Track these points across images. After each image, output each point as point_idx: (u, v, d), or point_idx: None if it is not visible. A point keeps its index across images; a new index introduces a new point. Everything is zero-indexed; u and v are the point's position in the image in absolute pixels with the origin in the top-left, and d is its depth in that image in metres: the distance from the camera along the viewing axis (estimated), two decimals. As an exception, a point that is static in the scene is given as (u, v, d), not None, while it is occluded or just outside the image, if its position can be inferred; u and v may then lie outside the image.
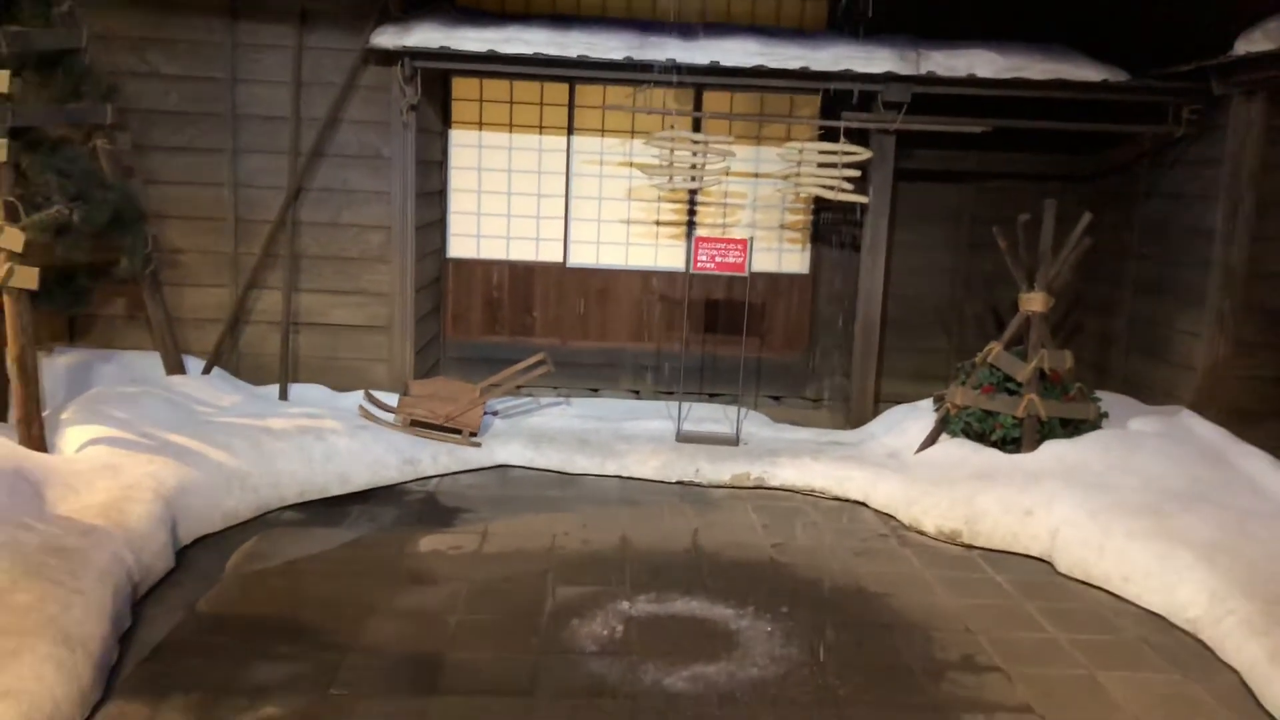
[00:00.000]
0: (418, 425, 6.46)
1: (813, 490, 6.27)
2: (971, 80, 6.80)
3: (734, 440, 6.79)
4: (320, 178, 7.08)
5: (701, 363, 8.52)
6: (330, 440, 5.94)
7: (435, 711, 3.61)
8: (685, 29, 7.08)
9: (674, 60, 6.68)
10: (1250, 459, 5.76)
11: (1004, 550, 5.43)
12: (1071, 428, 6.16)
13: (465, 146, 8.27)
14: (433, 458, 6.31)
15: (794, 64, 6.67)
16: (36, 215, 4.82)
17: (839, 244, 8.35)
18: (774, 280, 8.49)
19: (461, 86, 8.10)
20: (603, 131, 8.29)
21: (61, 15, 5.54)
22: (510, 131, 8.30)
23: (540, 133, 8.31)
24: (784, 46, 6.75)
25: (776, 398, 8.56)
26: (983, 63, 6.77)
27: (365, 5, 6.77)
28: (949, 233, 8.38)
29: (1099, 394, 6.70)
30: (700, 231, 8.35)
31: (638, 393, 8.53)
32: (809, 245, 8.49)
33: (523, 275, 8.47)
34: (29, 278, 4.86)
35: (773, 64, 6.67)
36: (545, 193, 8.36)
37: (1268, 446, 6.10)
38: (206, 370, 6.90)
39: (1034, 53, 6.92)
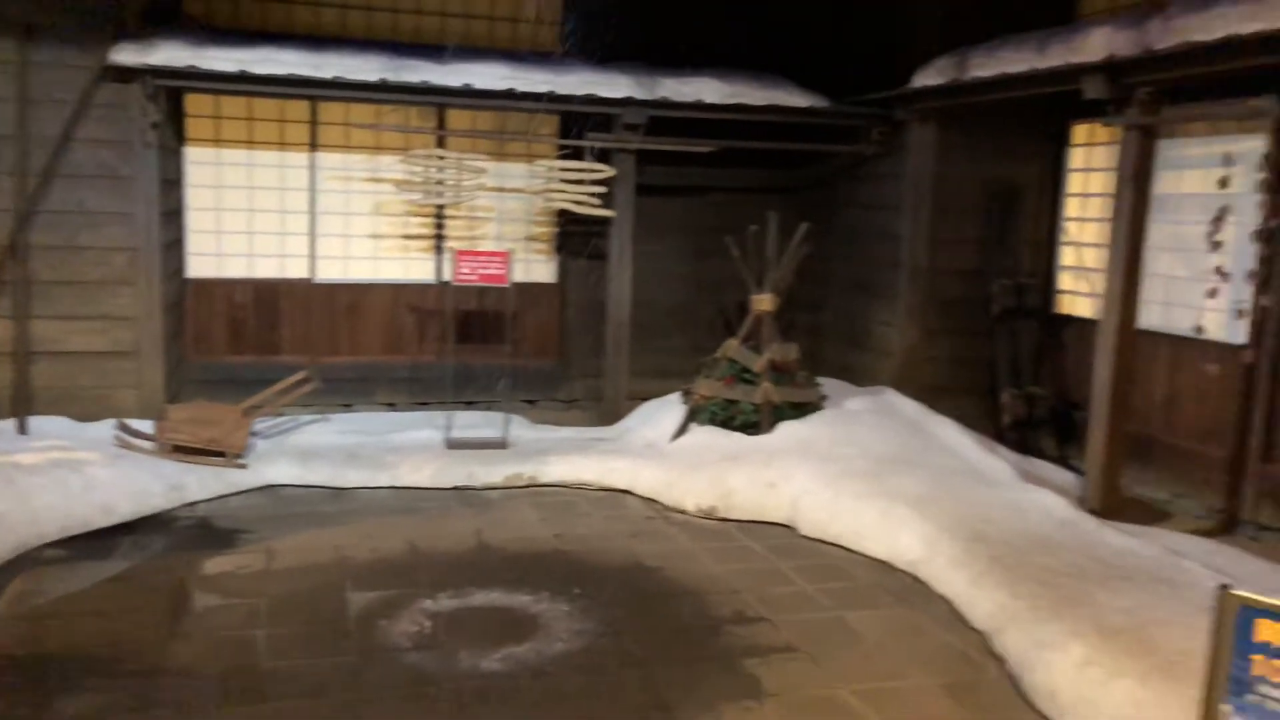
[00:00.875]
0: (180, 450, 6.34)
1: (582, 483, 6.75)
2: (700, 105, 7.55)
3: (503, 444, 7.15)
4: (54, 199, 6.74)
5: (457, 372, 8.79)
6: (88, 471, 5.74)
7: (268, 717, 3.75)
8: (437, 52, 7.36)
9: (428, 82, 6.94)
10: (943, 427, 6.84)
11: (754, 520, 6.15)
12: (800, 410, 7.02)
13: (202, 164, 8.08)
14: (199, 482, 6.22)
15: (542, 88, 7.14)
16: None
17: (583, 254, 8.90)
18: (524, 290, 8.88)
19: (196, 103, 7.92)
20: (348, 148, 8.38)
21: None
22: (250, 148, 8.20)
23: (282, 149, 8.27)
24: (531, 71, 7.20)
25: (531, 401, 8.96)
26: (709, 89, 7.54)
27: (100, 21, 6.53)
28: (680, 242, 9.12)
29: (819, 380, 7.63)
30: (450, 244, 8.62)
31: (393, 405, 8.66)
32: (555, 256, 8.98)
33: (268, 293, 8.39)
34: None
35: (522, 87, 7.10)
36: (289, 209, 8.33)
37: (953, 415, 7.25)
38: (-75, 409, 6.41)
39: (752, 81, 7.78)
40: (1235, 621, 1.79)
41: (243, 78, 6.63)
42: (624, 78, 7.42)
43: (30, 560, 5.16)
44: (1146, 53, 5.24)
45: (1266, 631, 1.71)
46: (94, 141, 6.77)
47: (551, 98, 7.21)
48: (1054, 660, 3.97)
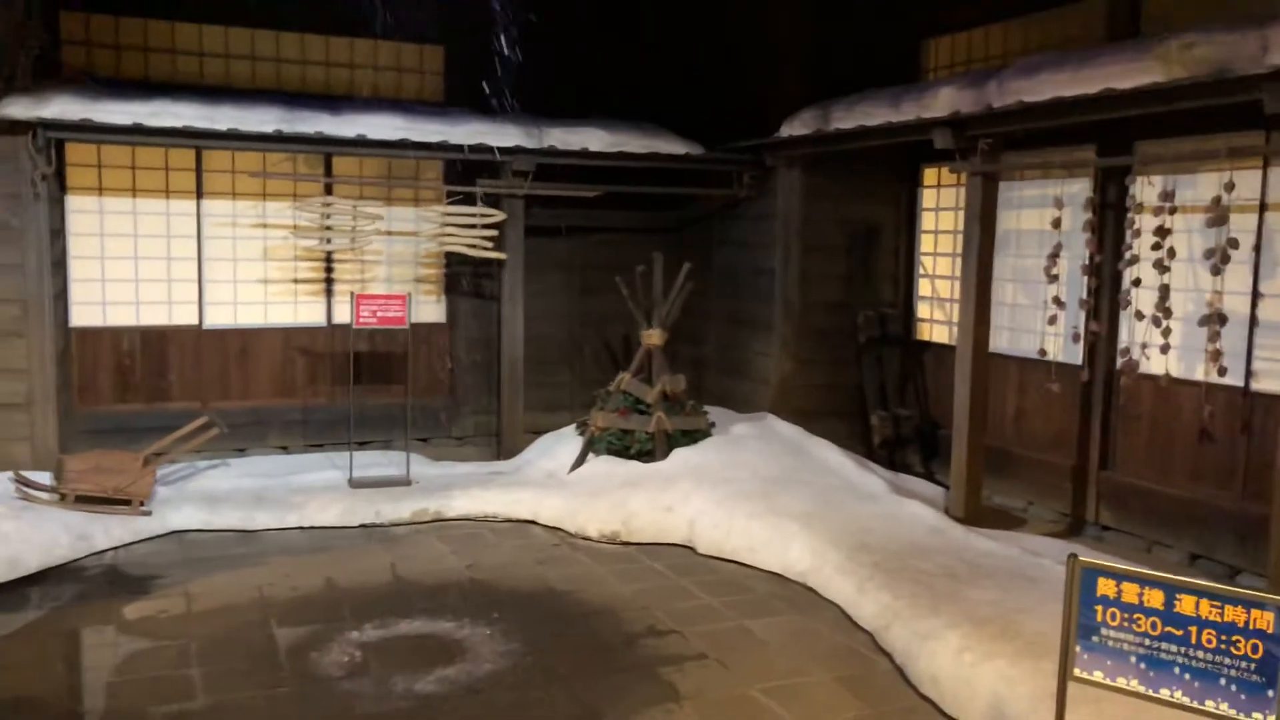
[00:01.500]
0: (84, 500, 6.34)
1: (487, 516, 7.02)
2: (585, 153, 8.00)
3: (406, 481, 7.37)
4: (-60, 252, 6.67)
5: (350, 412, 8.93)
6: (-5, 525, 5.72)
7: (217, 748, 3.93)
8: (328, 102, 7.58)
9: (323, 132, 7.17)
10: (821, 448, 7.42)
11: (655, 543, 6.56)
12: (691, 437, 7.48)
13: (85, 213, 8.04)
14: (105, 531, 6.23)
15: (435, 137, 7.46)
16: None
17: (471, 293, 9.19)
18: (414, 330, 9.08)
19: (77, 152, 7.88)
20: (234, 195, 8.47)
21: None
22: (134, 196, 8.20)
23: (168, 197, 8.30)
24: (424, 122, 7.52)
25: (424, 439, 9.15)
26: (593, 138, 8.00)
27: (-13, 75, 6.55)
28: (565, 280, 9.50)
29: (705, 408, 8.11)
30: (339, 288, 8.80)
31: (286, 448, 8.73)
32: (444, 296, 9.24)
33: (156, 340, 8.38)
34: None
35: (416, 137, 7.40)
36: (176, 256, 8.36)
37: (828, 437, 7.85)
38: None
39: (633, 130, 8.28)
40: (1080, 581, 2.28)
41: (137, 129, 6.73)
42: (513, 127, 7.80)
43: (-61, 617, 5.14)
44: (987, 110, 5.94)
45: (1104, 587, 2.21)
46: (-19, 193, 6.74)
47: (444, 147, 7.52)
48: (934, 650, 4.50)
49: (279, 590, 5.64)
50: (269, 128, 7.06)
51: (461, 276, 9.13)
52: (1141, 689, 2.15)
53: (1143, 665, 2.15)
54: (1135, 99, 5.05)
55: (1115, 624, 2.18)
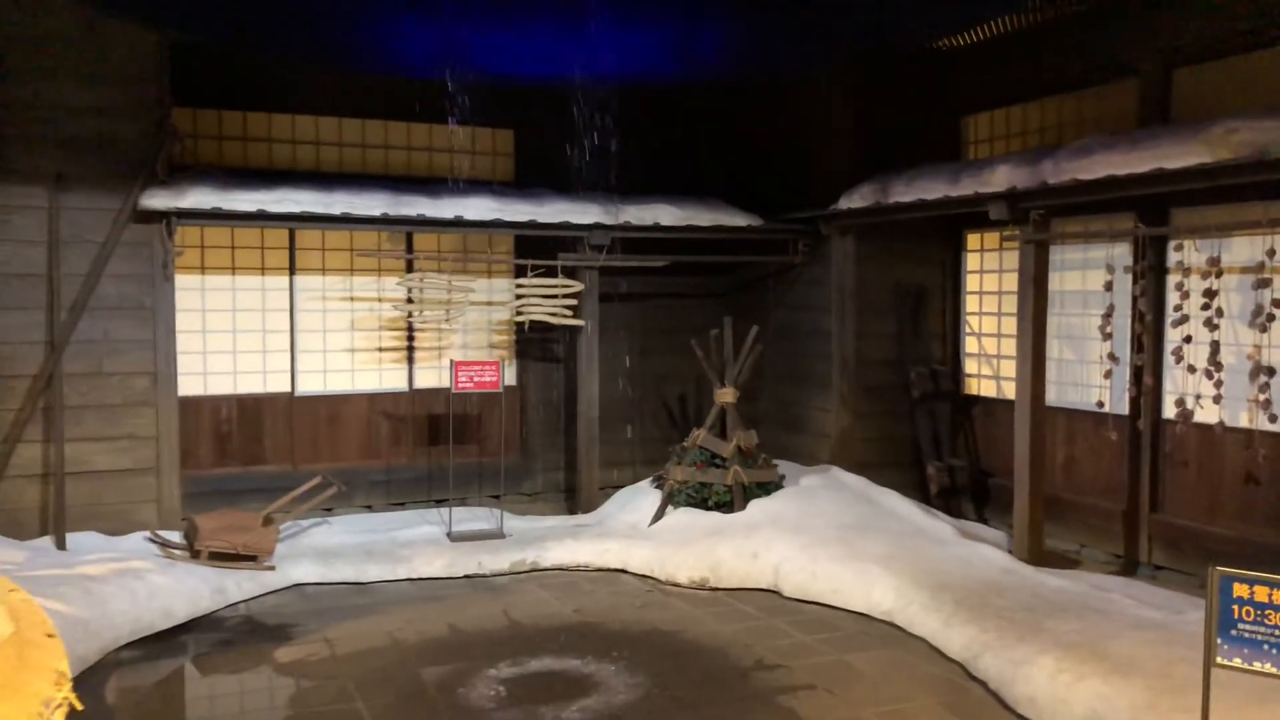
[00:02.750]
0: (215, 556, 6.86)
1: (579, 565, 7.53)
2: (657, 227, 8.64)
3: (501, 534, 7.88)
4: (82, 330, 7.27)
5: (429, 472, 9.48)
6: (149, 579, 6.23)
7: (405, 768, 4.42)
8: (428, 185, 8.25)
9: (423, 215, 7.83)
10: (888, 496, 7.94)
11: (742, 588, 7.05)
12: (765, 489, 8.01)
13: (188, 290, 8.63)
14: (237, 584, 6.75)
15: (524, 216, 8.11)
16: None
17: (539, 358, 9.79)
18: (488, 395, 9.66)
19: (182, 234, 8.53)
20: (324, 270, 9.11)
21: None
22: (233, 274, 8.84)
23: (263, 274, 8.93)
24: (513, 202, 8.19)
25: (497, 496, 9.67)
26: (664, 214, 8.66)
27: (128, 169, 7.20)
28: (627, 343, 10.07)
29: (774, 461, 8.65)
30: (419, 354, 9.41)
31: (370, 507, 9.25)
32: (514, 360, 9.83)
33: (251, 407, 8.95)
34: None
35: (507, 217, 8.05)
36: (270, 328, 8.97)
37: (886, 486, 8.36)
38: (-42, 532, 6.76)
39: (698, 205, 8.94)
40: (1219, 585, 2.80)
41: (260, 215, 7.38)
42: (592, 205, 8.45)
43: (114, 662, 5.64)
44: (1042, 185, 6.57)
45: (1239, 590, 2.74)
46: (118, 276, 7.37)
47: (533, 225, 8.17)
48: (1030, 673, 4.99)
49: (408, 635, 6.14)
50: (377, 211, 7.71)
51: (530, 343, 9.73)
52: (1276, 671, 2.68)
53: (1275, 652, 2.68)
54: (1184, 177, 5.68)
55: (1250, 620, 2.70)
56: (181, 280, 8.55)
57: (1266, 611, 2.66)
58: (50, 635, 1.89)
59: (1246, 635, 2.74)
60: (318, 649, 5.90)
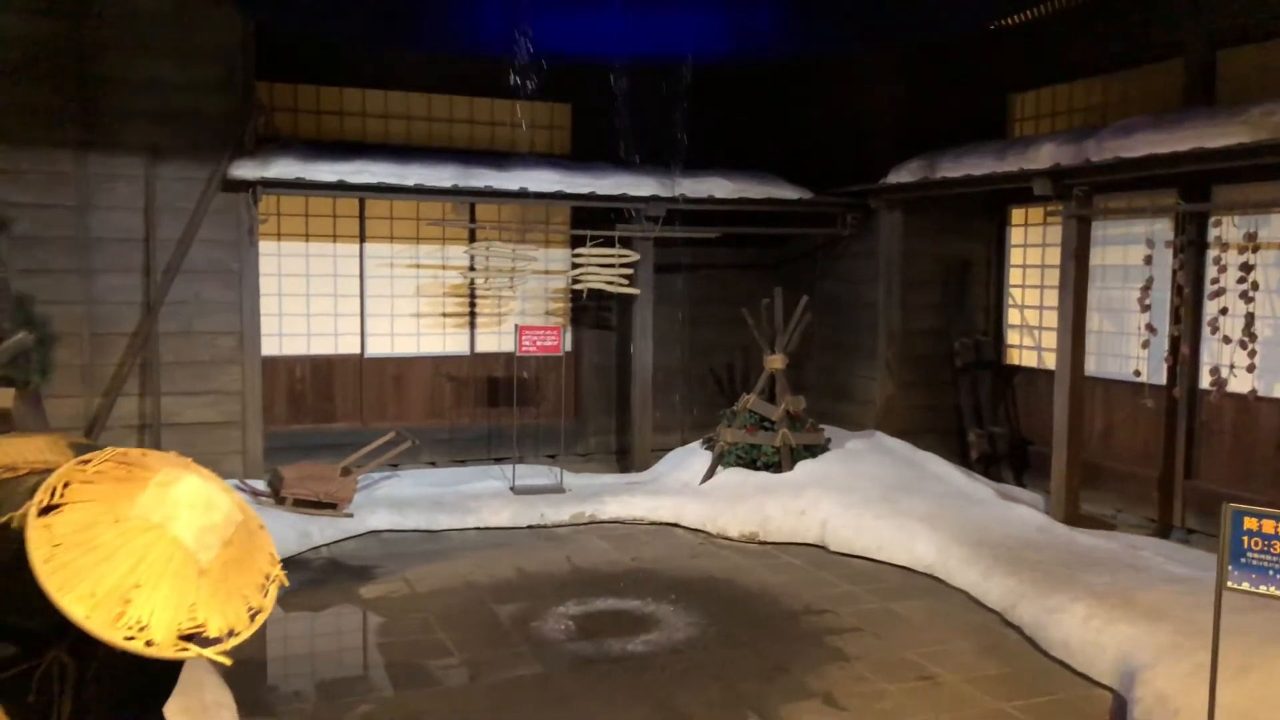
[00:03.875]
0: (299, 504, 7.37)
1: (635, 519, 7.97)
2: (712, 200, 9.01)
3: (561, 489, 8.34)
4: (174, 292, 7.79)
5: (488, 431, 9.95)
6: (241, 522, 6.75)
7: (502, 685, 4.89)
8: (495, 158, 8.67)
9: (491, 186, 8.25)
10: (930, 461, 8.30)
11: (789, 542, 7.45)
12: (812, 451, 8.39)
13: (266, 256, 9.12)
14: (320, 530, 7.26)
15: (585, 189, 8.51)
16: (9, 341, 5.41)
17: (593, 325, 10.20)
18: (544, 359, 10.11)
19: (263, 203, 9.02)
20: (392, 239, 9.56)
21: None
22: (307, 241, 9.31)
23: (335, 241, 9.41)
24: (574, 175, 8.57)
25: (552, 456, 10.13)
26: (718, 187, 9.01)
27: (217, 140, 7.68)
28: (674, 312, 10.41)
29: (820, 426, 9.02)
30: (480, 320, 9.87)
31: (434, 464, 9.74)
32: (569, 327, 10.25)
33: (324, 367, 9.45)
34: (5, 398, 5.42)
35: (569, 189, 8.45)
36: (342, 293, 9.45)
37: (931, 452, 8.71)
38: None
39: (750, 178, 9.28)
40: (1231, 519, 3.16)
41: (340, 185, 7.83)
42: (649, 178, 8.82)
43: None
44: (1085, 163, 6.85)
45: (1249, 523, 3.09)
46: (207, 241, 7.87)
47: (593, 197, 8.57)
48: (1063, 620, 5.35)
49: (480, 577, 6.61)
50: (447, 183, 8.14)
51: (584, 311, 10.14)
52: (1278, 592, 3.04)
53: (1279, 576, 3.05)
54: (1223, 156, 5.95)
55: (1258, 549, 3.06)
56: (260, 246, 9.07)
57: (1272, 542, 3.02)
58: (261, 526, 2.32)
59: (1254, 563, 3.09)
60: (398, 587, 6.38)
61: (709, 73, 9.71)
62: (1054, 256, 8.59)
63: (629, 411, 9.63)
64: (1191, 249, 7.27)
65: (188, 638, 1.99)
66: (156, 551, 1.96)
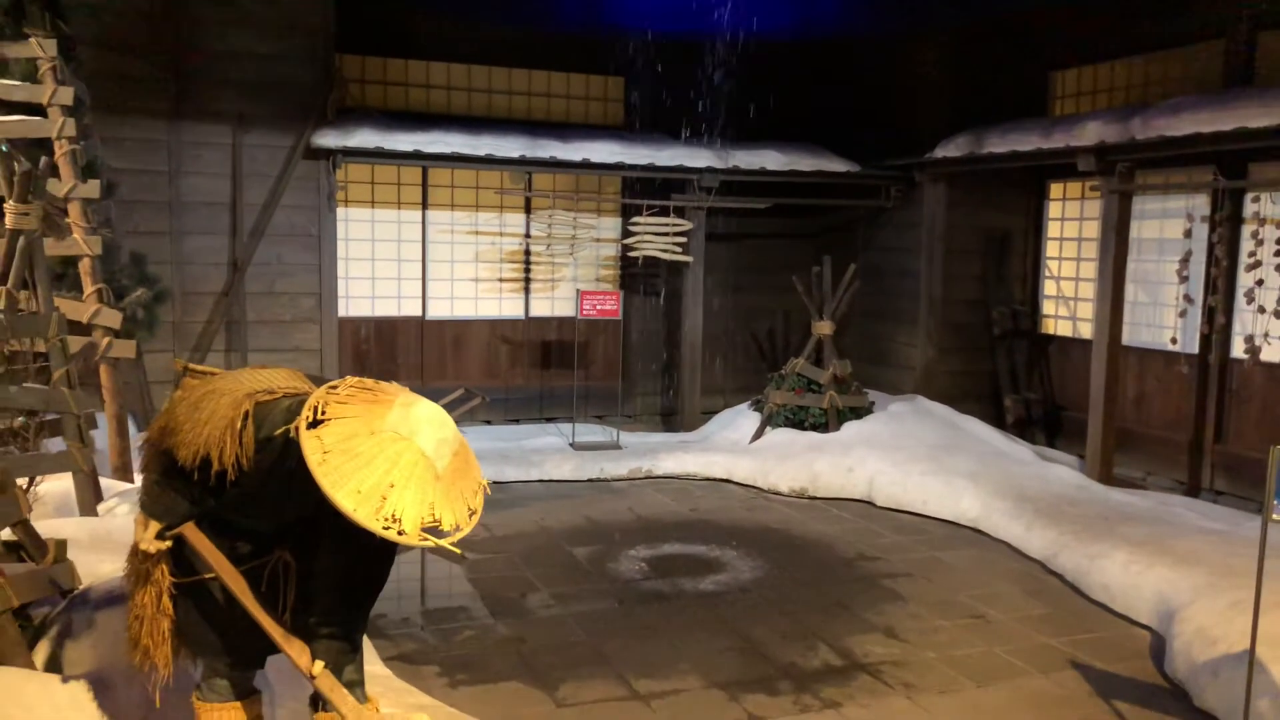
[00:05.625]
0: (377, 455, 7.84)
1: (688, 474, 8.43)
2: (763, 171, 9.39)
3: (618, 445, 8.80)
4: (259, 254, 8.25)
5: (540, 392, 10.41)
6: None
7: (587, 614, 5.36)
8: (559, 130, 9.08)
9: (555, 157, 8.65)
10: (971, 423, 8.72)
11: (838, 498, 7.90)
12: (857, 413, 8.81)
13: (337, 221, 9.59)
14: (397, 479, 7.72)
15: (644, 160, 8.90)
16: (130, 297, 5.87)
17: (642, 292, 10.62)
18: (594, 323, 10.54)
19: (339, 171, 9.45)
20: (452, 206, 9.98)
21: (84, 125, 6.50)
22: (373, 207, 9.74)
23: (399, 208, 9.84)
24: (635, 147, 8.97)
25: (599, 417, 10.58)
26: (770, 159, 9.39)
27: (300, 111, 8.10)
28: (721, 280, 10.83)
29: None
30: (535, 286, 10.30)
31: (489, 422, 10.21)
32: (620, 293, 10.65)
33: (387, 328, 9.91)
34: (126, 349, 5.89)
35: (628, 160, 8.85)
36: (405, 258, 9.89)
37: (970, 415, 9.12)
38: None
39: (800, 151, 9.65)
40: (1276, 459, 3.58)
41: (416, 155, 8.25)
42: (704, 150, 9.21)
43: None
44: (1130, 140, 7.20)
45: (1288, 463, 3.56)
46: (289, 207, 8.31)
47: (651, 168, 8.97)
48: (1104, 565, 5.79)
49: (552, 523, 7.09)
50: (515, 153, 8.55)
51: (634, 277, 10.55)
52: (1314, 521, 3.50)
53: (1314, 507, 3.49)
54: (1265, 135, 6.29)
55: (1297, 496, 3.51)
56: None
57: (1314, 480, 3.47)
58: (468, 446, 2.75)
59: (1294, 498, 3.55)
60: (478, 531, 6.83)
61: (758, 48, 10.06)
62: (1090, 230, 8.97)
63: (676, 375, 10.07)
64: (1228, 223, 7.62)
65: (427, 530, 2.43)
66: (406, 458, 2.40)
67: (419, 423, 2.47)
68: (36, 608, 3.66)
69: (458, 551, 2.50)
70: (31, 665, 3.32)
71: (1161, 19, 8.33)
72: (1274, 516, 3.54)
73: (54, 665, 3.42)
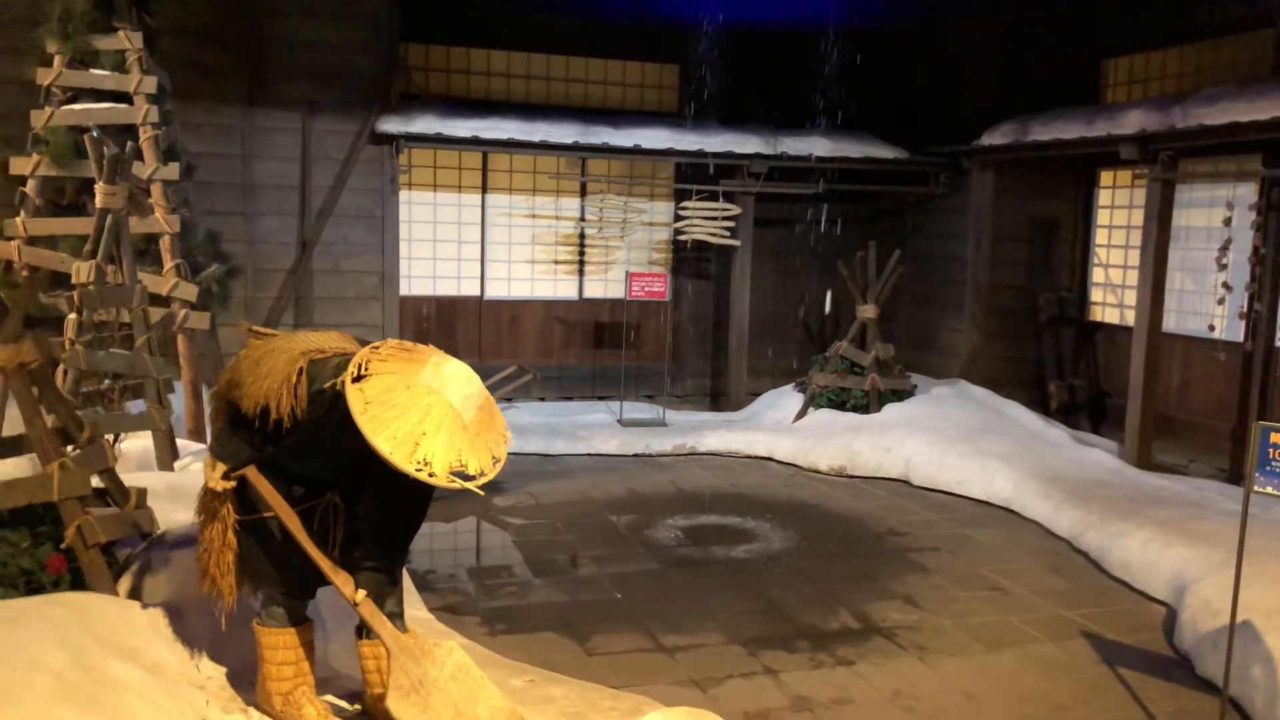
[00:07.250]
0: (433, 426, 8.25)
1: (731, 452, 8.70)
2: (812, 158, 9.58)
3: (663, 423, 9.11)
4: (326, 234, 8.70)
5: (592, 371, 10.76)
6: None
7: (612, 579, 5.69)
8: (611, 116, 9.38)
9: (608, 143, 8.96)
10: (1011, 407, 8.85)
11: (875, 477, 8.11)
12: (899, 395, 9.00)
13: (399, 204, 10.02)
14: (451, 449, 8.13)
15: (694, 146, 9.17)
16: (205, 273, 6.33)
17: (691, 275, 10.89)
18: (645, 305, 10.84)
19: (402, 156, 9.86)
20: (510, 190, 10.35)
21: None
22: (434, 190, 10.16)
23: (459, 191, 10.23)
24: (686, 134, 9.25)
25: (649, 396, 10.89)
26: (818, 145, 9.58)
27: (365, 97, 8.53)
28: (769, 265, 11.03)
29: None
30: (589, 268, 10.63)
31: (543, 399, 10.58)
32: (670, 276, 10.94)
33: (447, 307, 10.33)
34: (202, 320, 6.35)
35: (679, 146, 9.13)
36: (464, 239, 10.29)
37: (1012, 400, 9.24)
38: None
39: (848, 138, 9.83)
40: (1260, 434, 3.75)
41: (475, 140, 8.63)
42: (753, 137, 9.44)
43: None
44: (1169, 129, 7.28)
45: (1275, 438, 3.70)
46: (355, 190, 8.75)
47: (702, 154, 9.23)
48: (1125, 543, 5.94)
49: (596, 493, 7.43)
50: (569, 139, 8.88)
51: (684, 261, 10.82)
52: (1293, 492, 3.67)
53: (1295, 480, 3.66)
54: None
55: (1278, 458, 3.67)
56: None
57: (1292, 452, 3.64)
58: (493, 401, 3.08)
59: (1277, 471, 3.71)
60: (525, 500, 7.23)
61: (808, 36, 10.25)
62: (1140, 218, 9.00)
63: (724, 356, 10.34)
64: (1273, 212, 7.65)
65: (455, 474, 2.77)
66: (437, 410, 2.73)
67: (449, 379, 2.81)
68: (121, 548, 4.09)
69: (481, 493, 2.83)
70: (115, 593, 3.75)
71: (1214, 6, 8.34)
72: (1256, 488, 3.71)
73: (135, 595, 3.85)
